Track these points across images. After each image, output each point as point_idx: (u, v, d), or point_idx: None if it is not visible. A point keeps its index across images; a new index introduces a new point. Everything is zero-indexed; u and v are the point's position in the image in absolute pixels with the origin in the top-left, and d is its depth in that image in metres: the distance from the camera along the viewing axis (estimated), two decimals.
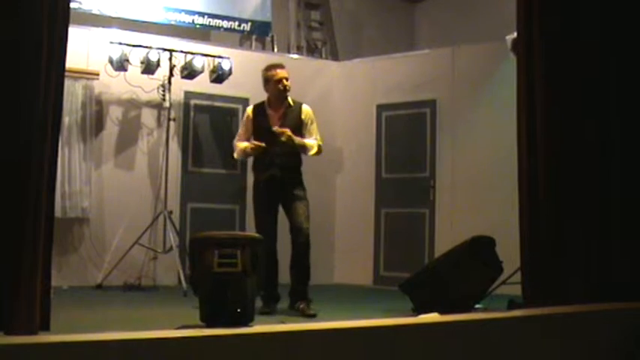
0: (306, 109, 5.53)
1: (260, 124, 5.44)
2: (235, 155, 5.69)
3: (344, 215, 8.24)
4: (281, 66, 5.53)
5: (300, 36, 9.29)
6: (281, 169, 5.36)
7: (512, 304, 5.03)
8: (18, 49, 3.52)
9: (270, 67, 5.51)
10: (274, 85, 5.43)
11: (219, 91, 7.58)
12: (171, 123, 7.16)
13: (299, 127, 5.44)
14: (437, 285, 5.08)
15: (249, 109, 5.62)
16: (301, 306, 5.21)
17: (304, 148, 5.46)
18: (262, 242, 4.24)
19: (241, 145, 5.53)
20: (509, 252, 5.05)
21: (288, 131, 5.30)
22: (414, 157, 7.87)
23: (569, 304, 4.22)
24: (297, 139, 5.37)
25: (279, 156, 5.35)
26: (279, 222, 5.46)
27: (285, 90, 5.44)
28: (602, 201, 4.61)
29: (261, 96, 5.64)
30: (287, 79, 5.44)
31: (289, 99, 5.49)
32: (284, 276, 5.42)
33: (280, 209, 5.45)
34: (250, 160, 5.84)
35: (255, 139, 5.41)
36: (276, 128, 5.32)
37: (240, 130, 5.65)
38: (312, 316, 5.06)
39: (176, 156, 7.43)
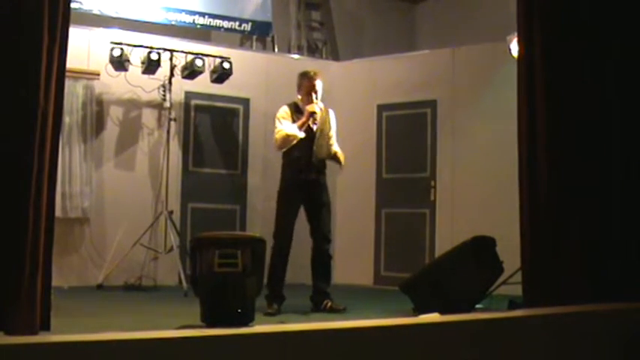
0: (332, 112, 5.67)
1: (297, 122, 5.45)
2: (280, 143, 5.45)
3: (344, 215, 8.22)
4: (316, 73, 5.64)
5: (300, 36, 9.30)
6: (316, 172, 5.46)
7: (512, 305, 5.03)
8: (18, 48, 3.52)
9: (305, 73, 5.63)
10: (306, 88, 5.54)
11: (220, 91, 7.57)
12: (172, 123, 7.16)
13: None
14: (437, 285, 5.07)
15: (285, 108, 5.54)
16: (329, 304, 5.39)
17: (336, 157, 5.58)
18: (263, 242, 4.24)
19: (286, 129, 5.38)
20: (509, 252, 5.05)
21: (316, 109, 5.40)
22: (414, 157, 7.87)
23: (569, 304, 4.22)
24: (333, 142, 5.55)
25: (313, 159, 5.43)
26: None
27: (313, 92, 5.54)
28: (603, 201, 4.61)
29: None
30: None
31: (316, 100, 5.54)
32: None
33: (301, 210, 5.53)
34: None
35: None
36: (313, 107, 5.39)
37: (284, 123, 5.47)
38: (343, 310, 5.33)
39: (177, 156, 7.43)
